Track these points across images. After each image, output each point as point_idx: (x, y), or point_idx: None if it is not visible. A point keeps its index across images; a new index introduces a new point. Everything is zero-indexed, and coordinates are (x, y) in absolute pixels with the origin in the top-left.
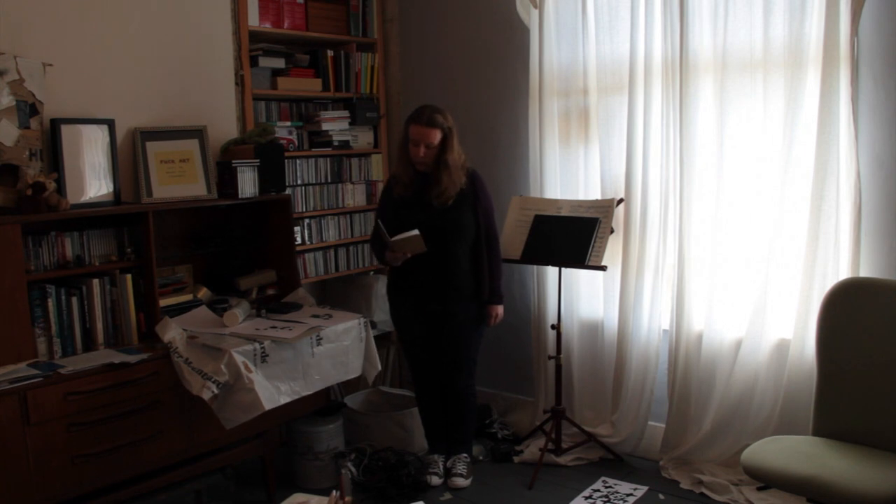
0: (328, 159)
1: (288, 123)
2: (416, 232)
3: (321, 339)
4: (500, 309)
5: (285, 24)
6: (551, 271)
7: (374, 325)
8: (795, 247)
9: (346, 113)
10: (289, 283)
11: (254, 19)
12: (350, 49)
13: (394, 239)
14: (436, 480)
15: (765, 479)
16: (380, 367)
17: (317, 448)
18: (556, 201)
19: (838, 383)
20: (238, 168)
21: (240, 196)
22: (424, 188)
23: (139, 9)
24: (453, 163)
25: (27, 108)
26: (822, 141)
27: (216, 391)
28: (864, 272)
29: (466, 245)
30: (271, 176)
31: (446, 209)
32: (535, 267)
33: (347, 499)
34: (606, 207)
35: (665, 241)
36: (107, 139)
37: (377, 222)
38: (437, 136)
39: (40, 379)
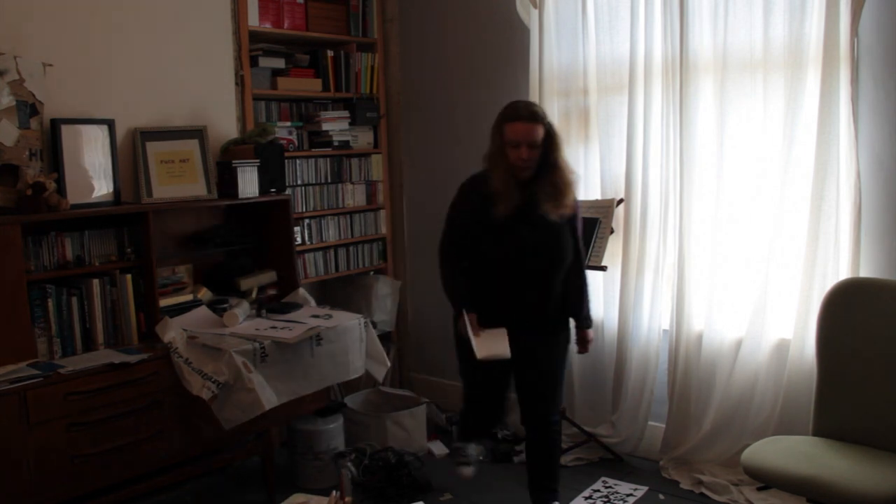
0: (328, 159)
1: (288, 123)
2: (503, 330)
3: (321, 339)
4: (592, 333)
5: (285, 24)
6: None
7: (374, 324)
8: (795, 247)
9: (346, 113)
10: (289, 283)
11: (254, 19)
12: (350, 49)
13: (480, 356)
14: (468, 472)
15: (765, 479)
16: (388, 364)
17: (317, 448)
18: None
19: (838, 383)
20: (238, 168)
21: (240, 196)
22: (523, 202)
23: (139, 9)
24: (564, 163)
25: (27, 108)
26: (822, 141)
27: (216, 391)
28: (864, 272)
29: (565, 267)
30: (271, 176)
31: (551, 225)
32: None
33: (347, 499)
34: (606, 207)
35: (665, 241)
36: (107, 139)
37: (460, 316)
38: (540, 133)
39: (40, 379)
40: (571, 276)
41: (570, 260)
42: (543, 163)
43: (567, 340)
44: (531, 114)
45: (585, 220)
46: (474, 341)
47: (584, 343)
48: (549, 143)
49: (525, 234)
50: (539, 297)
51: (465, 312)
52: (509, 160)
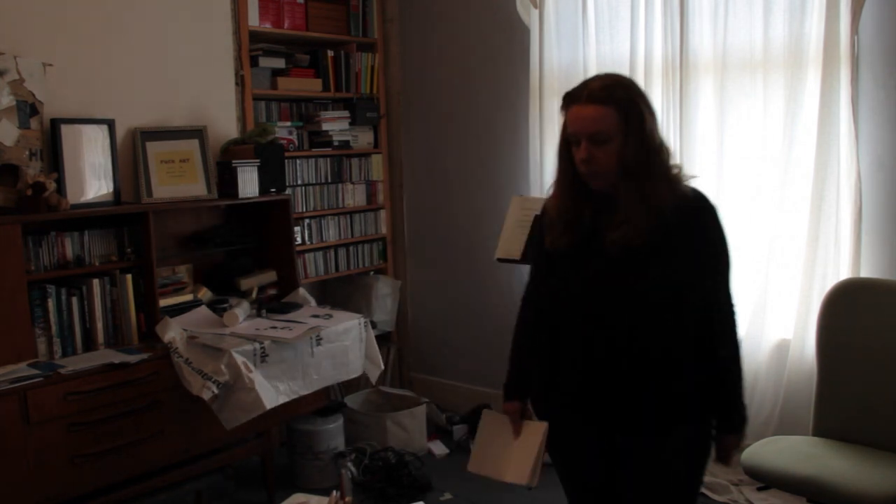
0: (328, 159)
1: (288, 123)
2: (541, 429)
3: (321, 339)
4: (737, 440)
5: (285, 24)
6: None
7: (374, 324)
8: (795, 247)
9: (346, 113)
10: (289, 283)
11: (254, 19)
12: (350, 49)
13: (471, 467)
14: None
15: (765, 479)
16: (382, 367)
17: (317, 448)
18: None
19: (838, 383)
20: (238, 168)
21: (240, 196)
22: (599, 223)
23: (139, 8)
24: (644, 167)
25: (27, 108)
26: (822, 141)
27: (216, 391)
28: (864, 272)
29: (672, 321)
30: (271, 176)
31: (632, 256)
32: None
33: (347, 499)
34: None
35: None
36: (107, 139)
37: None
38: (609, 120)
39: (40, 379)
40: (705, 340)
41: (682, 306)
42: (621, 166)
43: (696, 447)
44: (592, 93)
45: None
46: (478, 443)
47: (726, 453)
48: (629, 136)
49: (582, 271)
50: (628, 370)
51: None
52: (574, 164)
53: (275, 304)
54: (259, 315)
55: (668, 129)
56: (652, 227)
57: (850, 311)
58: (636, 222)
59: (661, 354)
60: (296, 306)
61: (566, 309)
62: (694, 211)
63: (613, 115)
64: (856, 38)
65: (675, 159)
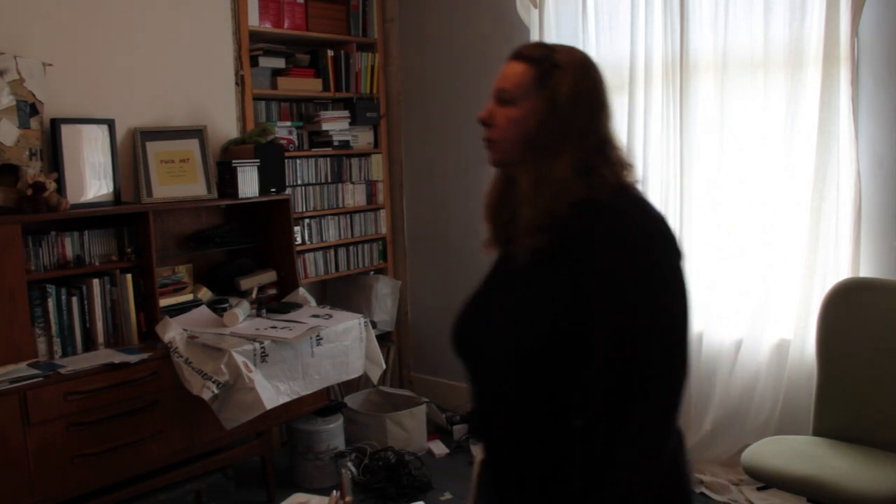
0: (328, 159)
1: (288, 123)
2: None
3: (321, 339)
4: None
5: (285, 24)
6: None
7: (374, 324)
8: (795, 247)
9: (346, 113)
10: (289, 283)
11: (254, 19)
12: (350, 49)
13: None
14: None
15: (765, 479)
16: (384, 366)
17: (317, 448)
18: None
19: (838, 383)
20: (238, 168)
21: (240, 196)
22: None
23: (139, 8)
24: (550, 144)
25: (27, 108)
26: (822, 141)
27: (216, 391)
28: (864, 272)
29: (515, 394)
30: (271, 176)
31: (512, 274)
32: None
33: (347, 499)
34: None
35: None
36: (107, 139)
37: None
38: (520, 78)
39: (40, 379)
40: (580, 438)
41: (558, 367)
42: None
43: None
44: (520, 48)
45: None
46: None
47: None
48: (538, 101)
49: (477, 289)
50: (492, 447)
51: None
52: None
53: (275, 304)
54: (259, 315)
55: (668, 128)
56: (544, 233)
57: (850, 311)
58: (523, 217)
59: (508, 442)
60: (296, 306)
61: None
62: (591, 225)
63: (527, 73)
64: (856, 38)
65: (635, 167)
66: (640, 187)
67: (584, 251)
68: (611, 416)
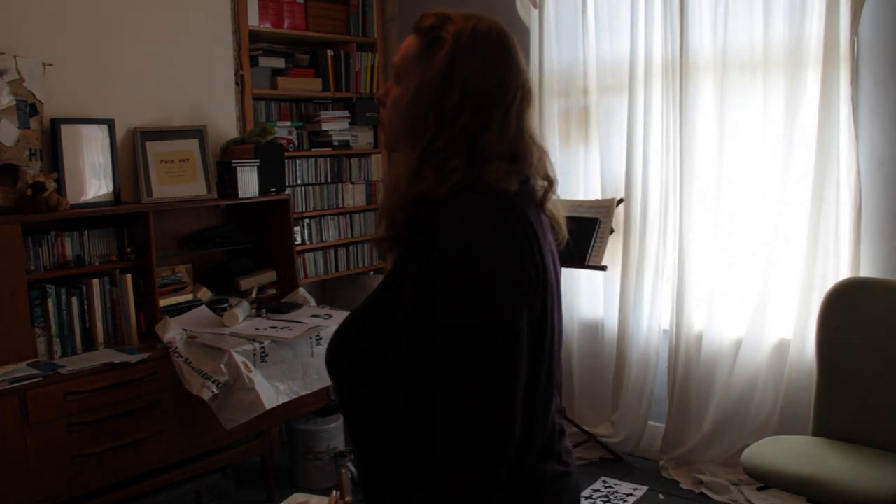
0: (328, 159)
1: (288, 123)
2: None
3: (321, 339)
4: None
5: (285, 24)
6: None
7: None
8: (795, 247)
9: (346, 113)
10: (289, 283)
11: (254, 19)
12: (350, 49)
13: None
14: None
15: (765, 479)
16: None
17: (317, 448)
18: (555, 201)
19: (838, 383)
20: (238, 168)
21: (240, 196)
22: None
23: (139, 9)
24: (418, 128)
25: (27, 108)
26: (822, 141)
27: (216, 391)
28: (864, 272)
29: (370, 407)
30: (271, 176)
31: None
32: None
33: (347, 499)
34: (606, 207)
35: (665, 241)
36: (107, 139)
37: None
38: (407, 51)
39: (40, 379)
40: (405, 450)
41: (402, 372)
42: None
43: None
44: (417, 19)
45: (585, 219)
46: None
47: None
48: (424, 73)
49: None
50: (359, 458)
51: None
52: None
53: (275, 304)
54: (259, 315)
55: (668, 128)
56: (392, 232)
57: (850, 310)
58: (382, 216)
59: (365, 455)
60: (296, 306)
61: None
62: (430, 228)
63: (412, 46)
64: (856, 38)
65: (537, 171)
66: (529, 192)
67: (419, 265)
68: (414, 438)
